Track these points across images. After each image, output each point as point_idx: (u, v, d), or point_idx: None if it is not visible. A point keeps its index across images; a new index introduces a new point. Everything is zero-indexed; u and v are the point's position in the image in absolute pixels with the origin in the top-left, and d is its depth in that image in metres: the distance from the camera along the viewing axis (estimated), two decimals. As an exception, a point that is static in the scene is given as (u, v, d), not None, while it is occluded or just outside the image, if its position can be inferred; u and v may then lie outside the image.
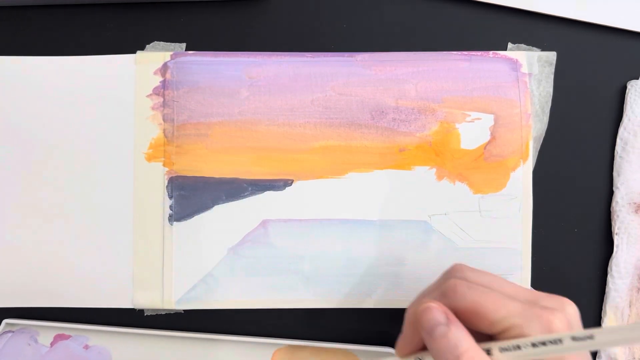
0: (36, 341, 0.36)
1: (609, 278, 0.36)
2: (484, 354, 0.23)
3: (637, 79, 0.37)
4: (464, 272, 0.26)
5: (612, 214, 0.36)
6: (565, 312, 0.23)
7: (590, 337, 0.20)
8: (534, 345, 0.21)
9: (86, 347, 0.36)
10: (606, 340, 0.20)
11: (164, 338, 0.36)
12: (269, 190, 0.35)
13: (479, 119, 0.36)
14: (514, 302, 0.23)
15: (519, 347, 0.22)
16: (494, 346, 0.22)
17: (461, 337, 0.23)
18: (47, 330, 0.36)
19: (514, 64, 0.36)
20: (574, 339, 0.20)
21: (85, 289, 0.35)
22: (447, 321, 0.24)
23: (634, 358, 0.36)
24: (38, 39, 0.37)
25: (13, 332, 0.36)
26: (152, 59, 0.36)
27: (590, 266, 0.37)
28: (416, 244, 0.35)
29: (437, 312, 0.24)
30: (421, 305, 0.25)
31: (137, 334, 0.36)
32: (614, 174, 0.37)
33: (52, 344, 0.36)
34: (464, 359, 0.22)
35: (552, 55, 0.36)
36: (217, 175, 0.36)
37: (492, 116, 0.36)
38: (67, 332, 0.36)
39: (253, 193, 0.36)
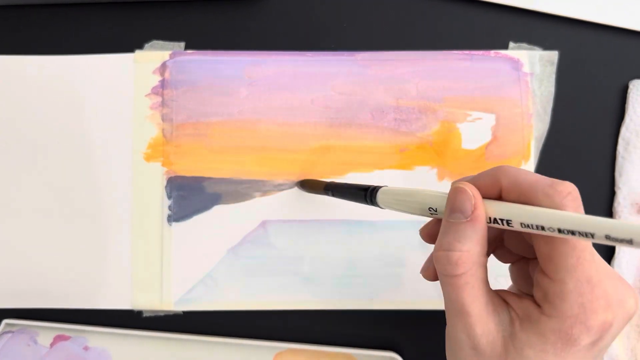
0: (36, 342, 0.36)
1: (610, 279, 0.36)
2: (480, 266, 0.21)
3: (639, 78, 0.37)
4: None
5: (614, 214, 0.36)
6: None
7: (629, 242, 0.17)
8: (560, 231, 0.19)
9: (86, 348, 0.36)
10: None
11: (164, 340, 0.35)
12: (269, 190, 0.35)
13: (480, 118, 0.36)
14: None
15: (542, 228, 0.19)
16: (517, 220, 0.20)
17: (471, 236, 0.21)
18: (46, 330, 0.36)
19: (516, 64, 0.36)
20: (608, 237, 0.18)
21: (84, 290, 0.35)
22: (471, 213, 0.21)
23: (636, 359, 0.36)
24: (36, 38, 0.37)
25: (13, 332, 0.36)
26: (151, 58, 0.36)
27: (592, 267, 0.37)
28: (416, 244, 0.35)
29: (467, 197, 0.21)
30: (458, 183, 0.22)
31: (137, 336, 0.35)
32: (616, 174, 0.36)
33: (51, 345, 0.36)
34: (456, 257, 0.21)
35: (553, 55, 0.36)
36: (216, 175, 0.35)
37: (493, 116, 0.36)
38: (66, 333, 0.36)
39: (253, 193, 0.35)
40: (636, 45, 0.37)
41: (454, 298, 0.22)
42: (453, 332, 0.22)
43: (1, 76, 0.36)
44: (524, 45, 0.36)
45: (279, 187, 0.35)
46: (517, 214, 0.20)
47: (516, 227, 0.20)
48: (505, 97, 0.36)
